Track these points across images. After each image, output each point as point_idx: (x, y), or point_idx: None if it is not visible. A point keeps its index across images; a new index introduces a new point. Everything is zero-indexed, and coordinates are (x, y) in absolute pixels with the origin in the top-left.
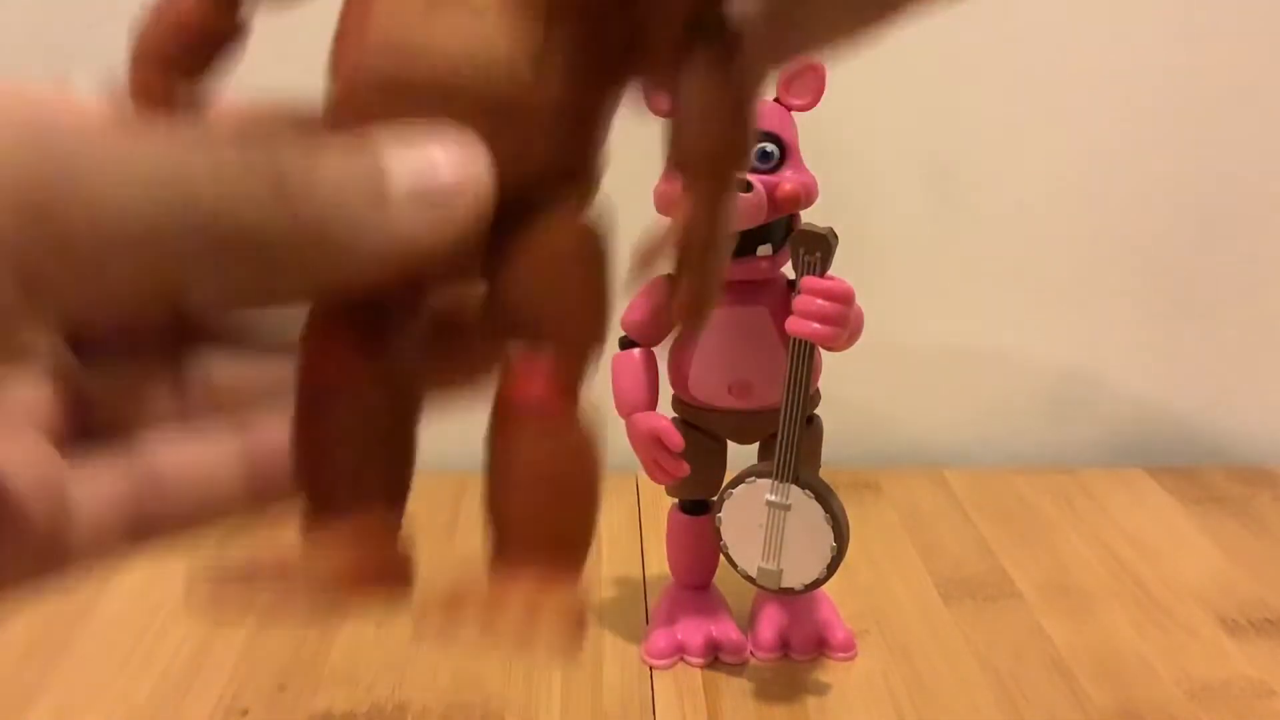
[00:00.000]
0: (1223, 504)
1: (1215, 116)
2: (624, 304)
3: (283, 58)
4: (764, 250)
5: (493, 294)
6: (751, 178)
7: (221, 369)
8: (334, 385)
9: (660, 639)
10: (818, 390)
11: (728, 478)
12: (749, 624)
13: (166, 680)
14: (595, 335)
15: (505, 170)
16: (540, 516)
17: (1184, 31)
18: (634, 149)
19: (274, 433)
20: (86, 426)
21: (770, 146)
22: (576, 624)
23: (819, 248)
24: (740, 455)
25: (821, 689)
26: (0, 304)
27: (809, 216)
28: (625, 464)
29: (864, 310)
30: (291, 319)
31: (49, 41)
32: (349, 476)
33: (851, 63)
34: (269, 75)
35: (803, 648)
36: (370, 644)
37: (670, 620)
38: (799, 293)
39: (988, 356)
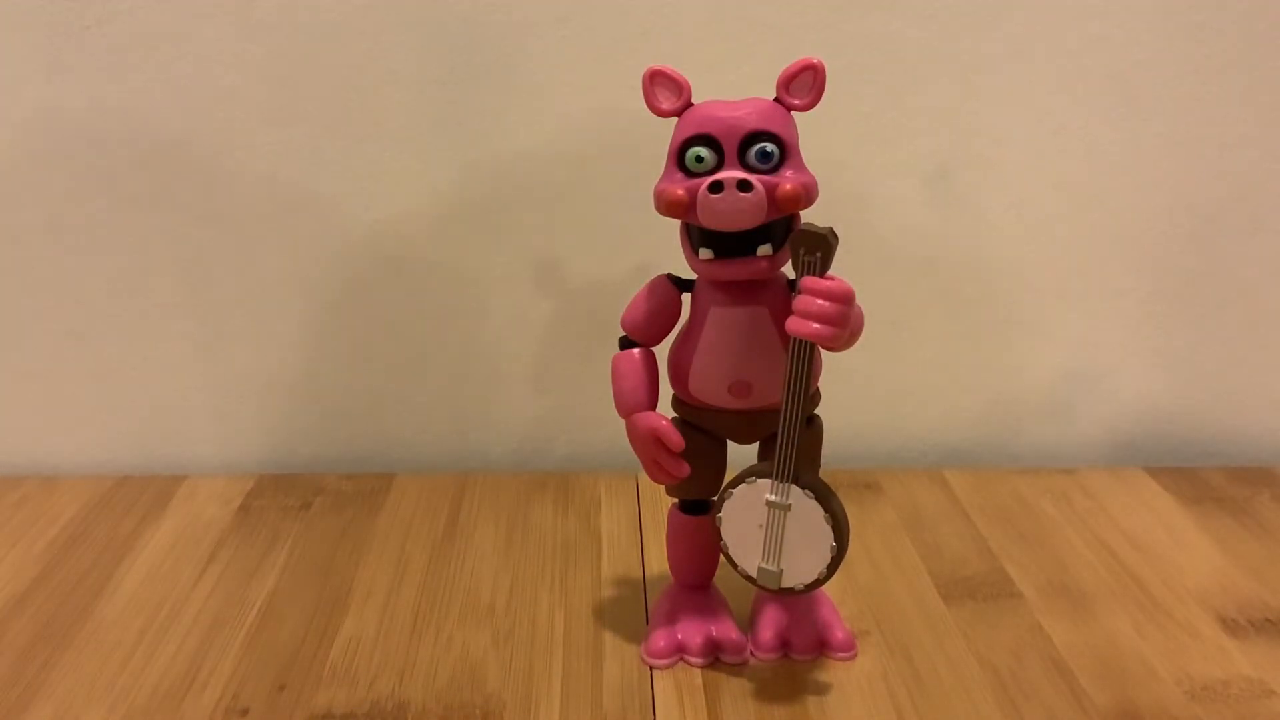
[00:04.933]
0: (1223, 504)
1: (1215, 116)
2: (625, 303)
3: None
4: (764, 250)
5: None
6: (751, 178)
7: None
8: None
9: (660, 639)
10: (818, 390)
11: (728, 478)
12: (749, 624)
13: (166, 680)
14: None
15: None
16: None
17: (1184, 31)
18: (634, 150)
19: None
20: None
21: (770, 146)
22: None
23: (819, 248)
24: (740, 455)
25: (821, 689)
26: None
27: (809, 216)
28: (625, 464)
29: (863, 310)
30: None
31: (48, 42)
32: None
33: (852, 63)
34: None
35: (803, 648)
36: (370, 644)
37: (670, 620)
38: (799, 293)
39: (988, 356)
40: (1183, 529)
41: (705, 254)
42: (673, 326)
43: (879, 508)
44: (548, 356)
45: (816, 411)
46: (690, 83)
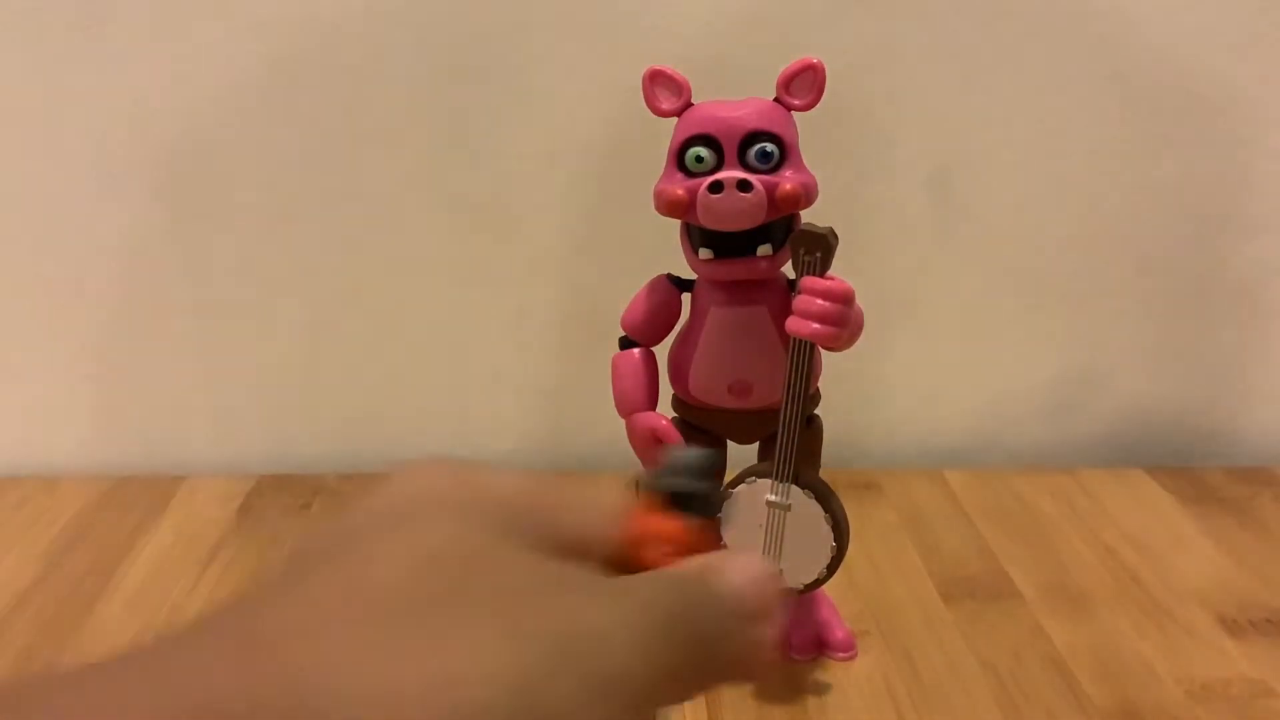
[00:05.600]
0: (1223, 504)
1: (1215, 116)
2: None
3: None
4: (764, 250)
5: None
6: (751, 178)
7: None
8: None
9: None
10: (818, 390)
11: (728, 478)
12: None
13: None
14: None
15: None
16: None
17: (1184, 30)
18: (634, 149)
19: None
20: None
21: (770, 146)
22: None
23: (819, 247)
24: (740, 455)
25: (821, 689)
26: None
27: (809, 216)
28: (625, 464)
29: (863, 310)
30: None
31: (49, 42)
32: None
33: (852, 63)
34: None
35: (803, 648)
36: None
37: None
38: (799, 292)
39: (988, 356)
40: (1183, 529)
41: (705, 254)
42: (673, 326)
43: (879, 508)
44: (548, 356)
45: (816, 411)
46: (690, 83)
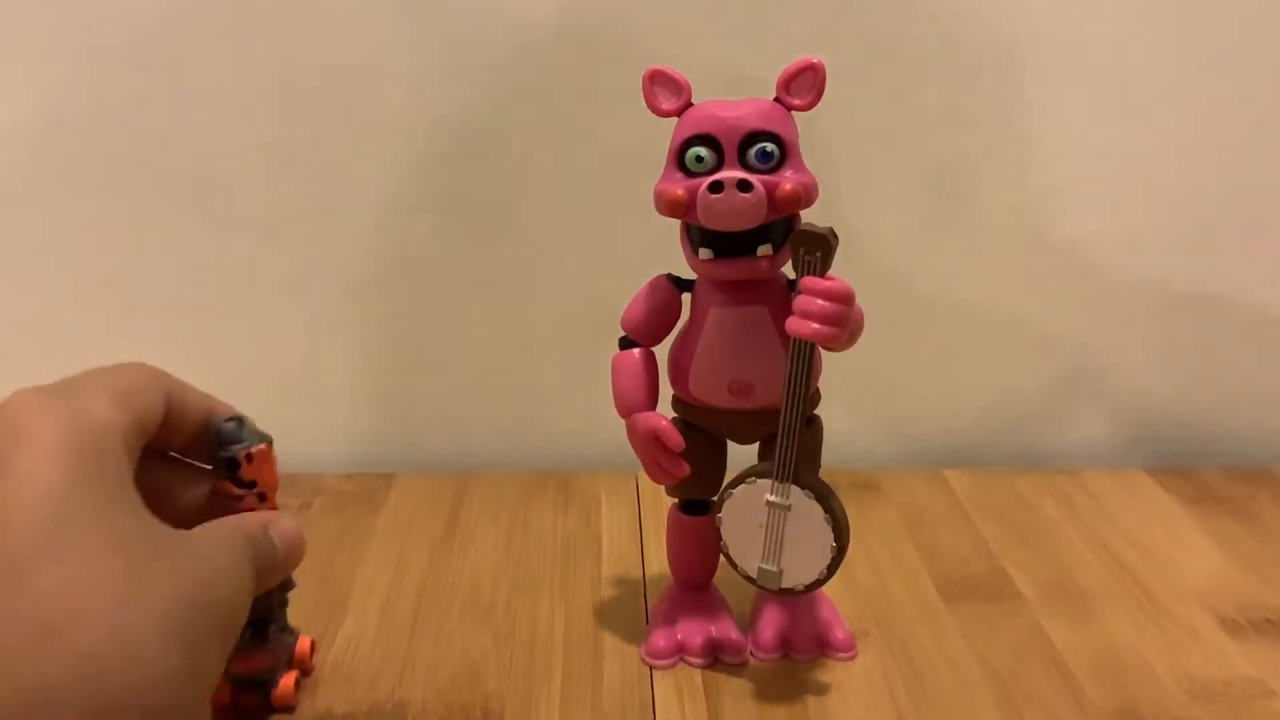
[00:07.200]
0: (1223, 504)
1: (1215, 116)
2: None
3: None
4: (764, 250)
5: None
6: (751, 178)
7: None
8: None
9: (660, 639)
10: (818, 390)
11: (728, 478)
12: (749, 624)
13: None
14: None
15: None
16: None
17: (1184, 29)
18: (634, 149)
19: None
20: None
21: (770, 146)
22: None
23: (819, 247)
24: (740, 455)
25: (821, 689)
26: None
27: (809, 216)
28: (625, 464)
29: (863, 309)
30: None
31: (49, 42)
32: None
33: (853, 63)
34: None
35: (803, 648)
36: (370, 644)
37: (670, 620)
38: (799, 292)
39: (988, 356)
40: (1183, 529)
41: (705, 254)
42: (673, 326)
43: (879, 508)
44: (548, 356)
45: (816, 411)
46: (690, 83)
